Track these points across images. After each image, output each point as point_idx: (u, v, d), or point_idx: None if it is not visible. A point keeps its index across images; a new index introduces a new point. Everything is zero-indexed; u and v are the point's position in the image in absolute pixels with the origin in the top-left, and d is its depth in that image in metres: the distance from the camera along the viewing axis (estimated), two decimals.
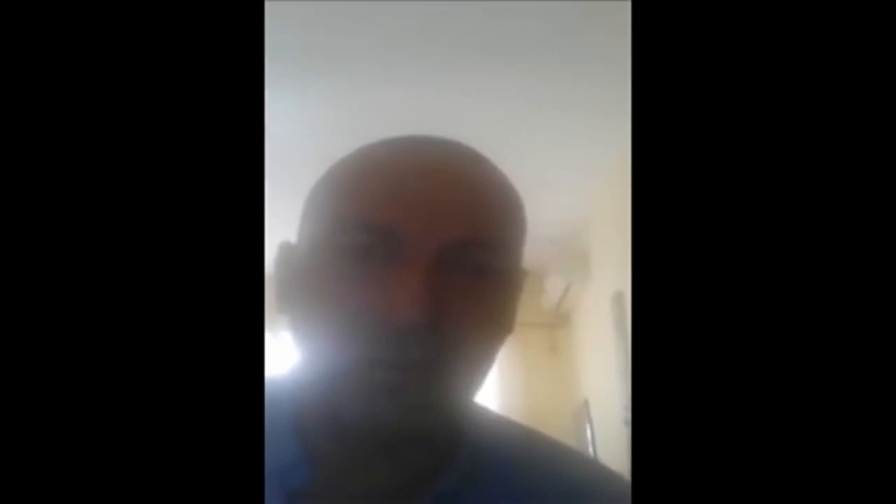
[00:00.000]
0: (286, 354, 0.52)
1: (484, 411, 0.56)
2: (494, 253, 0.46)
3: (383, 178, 0.45)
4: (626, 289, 2.58)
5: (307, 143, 2.45)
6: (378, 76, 2.15)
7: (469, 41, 1.99)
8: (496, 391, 3.52)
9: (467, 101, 2.25)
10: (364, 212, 0.44)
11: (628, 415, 2.55)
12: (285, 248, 0.51)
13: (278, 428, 0.49)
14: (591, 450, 3.20)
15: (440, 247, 0.43)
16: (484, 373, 0.48)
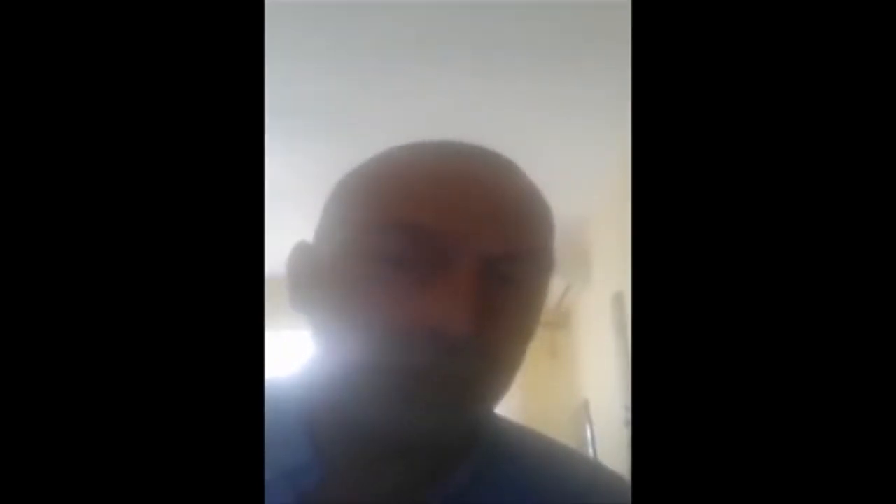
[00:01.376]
0: (299, 353, 0.50)
1: (495, 416, 0.55)
2: (531, 265, 0.45)
3: (424, 179, 0.44)
4: (626, 289, 2.58)
5: (307, 144, 2.45)
6: (378, 77, 2.15)
7: (469, 42, 1.99)
8: None
9: (467, 101, 2.25)
10: (408, 213, 0.42)
11: (628, 415, 2.55)
12: (303, 247, 0.50)
13: (290, 429, 0.49)
14: (591, 450, 3.20)
15: (486, 257, 0.42)
16: (511, 379, 0.47)
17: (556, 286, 3.39)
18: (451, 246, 0.42)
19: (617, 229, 2.56)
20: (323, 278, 0.46)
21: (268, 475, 0.46)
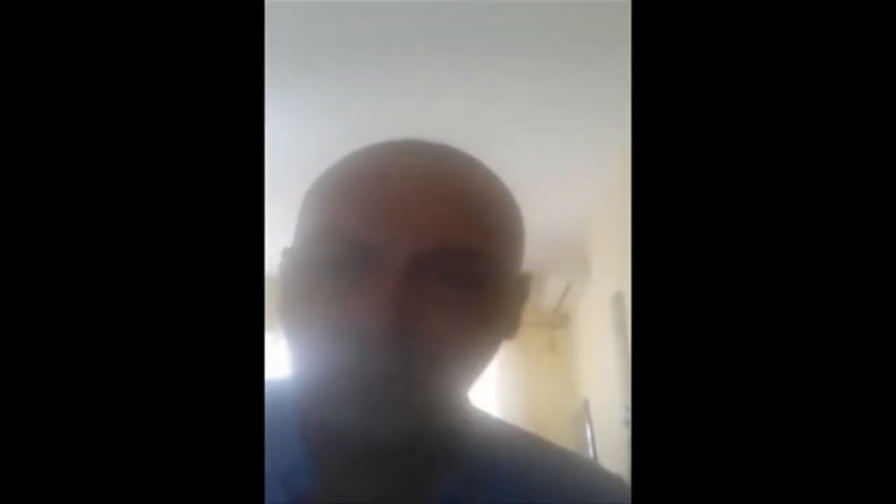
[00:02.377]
0: (287, 357, 0.52)
1: (483, 416, 0.56)
2: (479, 260, 0.45)
3: (359, 187, 0.45)
4: (626, 289, 2.58)
5: (307, 144, 2.45)
6: (378, 76, 2.15)
7: (469, 41, 1.99)
8: (496, 391, 3.53)
9: (467, 101, 2.25)
10: (337, 223, 0.44)
11: (628, 415, 2.55)
12: (284, 254, 0.51)
13: (283, 430, 0.49)
14: (591, 450, 3.20)
15: (411, 256, 0.43)
16: (472, 379, 0.47)
17: (556, 286, 3.39)
18: (380, 247, 0.43)
19: (617, 229, 2.56)
20: (291, 285, 0.47)
21: None
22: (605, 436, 3.07)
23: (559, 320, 3.81)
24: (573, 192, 2.98)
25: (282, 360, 0.50)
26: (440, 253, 0.43)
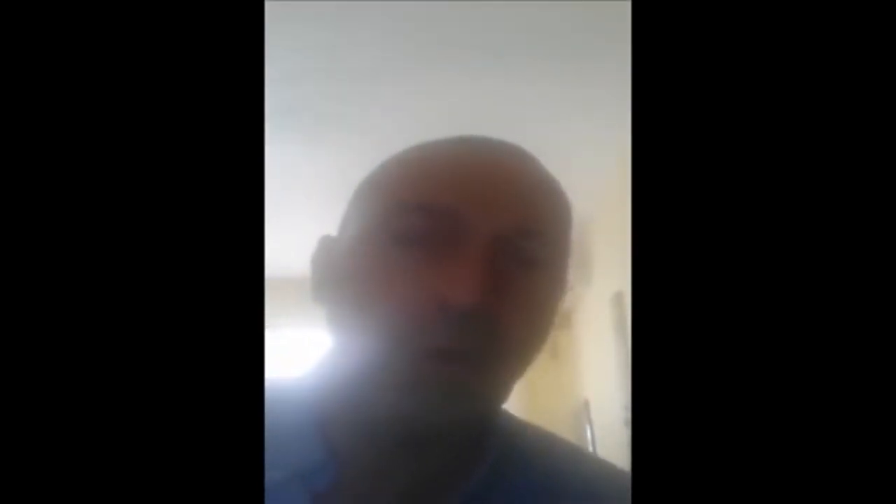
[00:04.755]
0: (308, 352, 0.51)
1: (506, 413, 0.56)
2: (545, 245, 0.46)
3: (445, 165, 0.46)
4: (626, 289, 2.58)
5: (307, 143, 2.45)
6: (377, 76, 2.15)
7: (469, 41, 1.99)
8: None
9: (467, 101, 2.25)
10: (427, 194, 0.45)
11: (628, 415, 2.55)
12: (326, 241, 0.51)
13: (304, 429, 0.49)
14: (591, 450, 3.20)
15: (498, 234, 0.44)
16: (526, 367, 0.48)
17: None
18: (465, 223, 0.44)
19: (617, 229, 2.56)
20: (343, 267, 0.47)
21: (281, 476, 0.46)
22: (605, 436, 3.07)
23: (559, 320, 3.81)
24: (573, 193, 2.98)
25: (299, 355, 0.50)
26: (522, 234, 0.45)
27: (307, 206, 2.61)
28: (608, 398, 2.93)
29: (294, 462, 0.47)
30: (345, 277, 0.47)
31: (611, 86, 2.02)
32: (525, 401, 3.60)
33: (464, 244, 0.43)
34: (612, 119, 2.23)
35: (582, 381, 3.65)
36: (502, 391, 0.48)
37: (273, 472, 0.45)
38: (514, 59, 2.06)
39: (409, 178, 0.46)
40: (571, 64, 2.09)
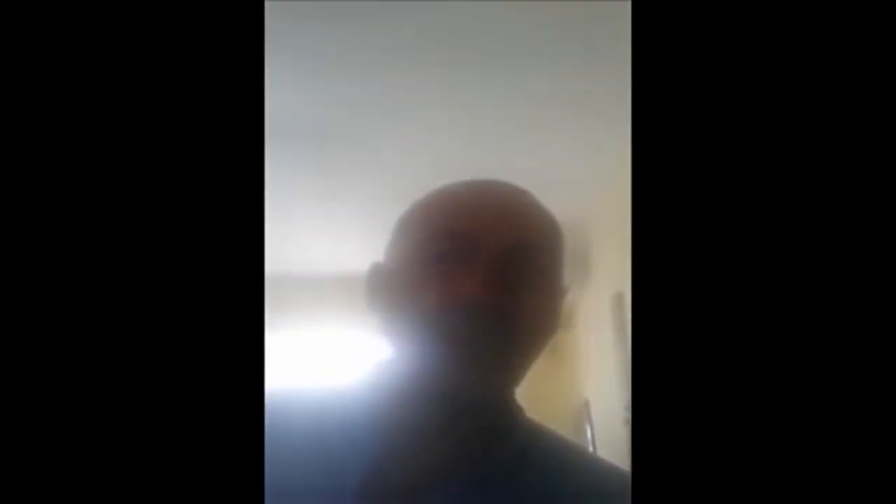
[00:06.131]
0: (369, 353, 0.66)
1: (527, 416, 0.66)
2: (541, 254, 0.60)
3: (462, 201, 0.62)
4: (626, 289, 2.57)
5: (307, 144, 2.45)
6: (378, 76, 2.15)
7: (469, 41, 1.99)
8: None
9: (467, 100, 2.25)
10: (451, 222, 0.60)
11: (628, 415, 2.55)
12: (375, 265, 0.66)
13: (354, 427, 0.59)
14: (591, 450, 3.20)
15: (504, 245, 0.57)
16: (532, 354, 0.60)
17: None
18: (477, 240, 0.58)
19: (617, 229, 2.56)
20: (393, 282, 0.62)
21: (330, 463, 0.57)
22: (605, 436, 3.07)
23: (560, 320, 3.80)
24: (573, 192, 2.98)
25: (361, 356, 0.59)
26: (521, 242, 0.59)
27: (308, 206, 2.62)
28: (608, 398, 2.92)
29: (339, 458, 0.57)
30: (395, 288, 0.61)
31: (611, 86, 2.01)
32: (525, 401, 3.59)
33: (477, 256, 0.57)
34: (612, 119, 2.23)
35: (582, 381, 3.64)
36: (513, 371, 0.59)
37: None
38: (515, 58, 2.06)
39: (437, 214, 0.62)
40: (571, 64, 2.08)
